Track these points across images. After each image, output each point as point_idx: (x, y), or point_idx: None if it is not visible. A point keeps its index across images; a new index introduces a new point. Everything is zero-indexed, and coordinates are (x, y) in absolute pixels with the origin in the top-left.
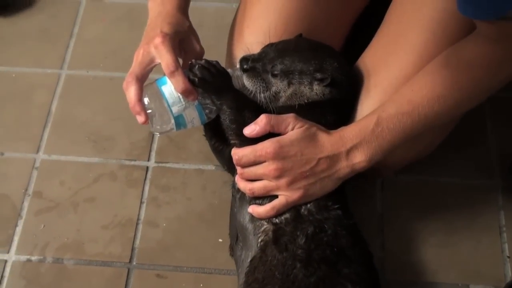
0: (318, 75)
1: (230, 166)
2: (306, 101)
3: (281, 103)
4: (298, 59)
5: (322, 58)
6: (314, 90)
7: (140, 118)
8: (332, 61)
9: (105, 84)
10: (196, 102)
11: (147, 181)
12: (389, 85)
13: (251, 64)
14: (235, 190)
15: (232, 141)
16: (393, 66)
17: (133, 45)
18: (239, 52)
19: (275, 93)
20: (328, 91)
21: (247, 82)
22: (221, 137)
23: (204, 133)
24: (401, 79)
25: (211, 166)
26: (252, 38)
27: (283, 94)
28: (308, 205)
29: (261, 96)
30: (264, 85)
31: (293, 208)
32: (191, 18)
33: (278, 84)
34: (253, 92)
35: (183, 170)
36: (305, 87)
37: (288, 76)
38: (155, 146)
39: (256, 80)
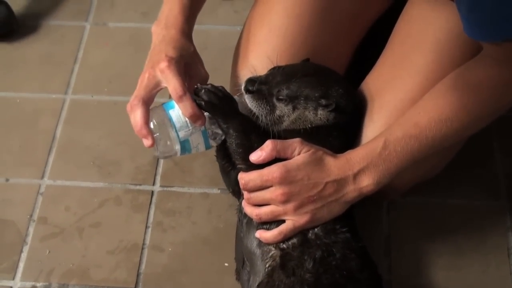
0: (323, 101)
1: (236, 190)
2: (310, 125)
3: (285, 126)
4: (304, 85)
5: (328, 84)
6: (319, 115)
7: (147, 142)
8: (338, 87)
9: (110, 109)
10: (202, 128)
11: (152, 206)
12: (394, 107)
13: (258, 86)
14: (242, 214)
15: (238, 166)
16: (398, 89)
17: (138, 69)
18: (244, 76)
19: (278, 116)
20: (332, 116)
21: (251, 104)
22: (230, 159)
23: (215, 154)
24: (406, 101)
25: (216, 190)
26: (257, 62)
27: (287, 119)
28: (316, 229)
29: (264, 119)
30: (268, 108)
31: (300, 232)
32: (195, 41)
33: (282, 108)
34: (256, 114)
35: (188, 194)
36: (309, 112)
37: (293, 101)
38: (160, 170)
39: (261, 102)
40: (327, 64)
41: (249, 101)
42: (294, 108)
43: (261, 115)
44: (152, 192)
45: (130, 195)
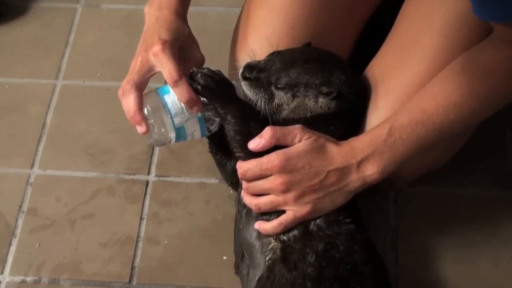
0: (324, 89)
1: (234, 182)
2: (310, 114)
3: (284, 115)
4: (304, 72)
5: (329, 71)
6: (319, 104)
7: (141, 128)
8: (340, 74)
9: (102, 95)
10: (198, 114)
11: (147, 196)
12: (400, 93)
13: (256, 74)
14: (241, 205)
15: (236, 154)
16: (405, 73)
17: (131, 53)
18: (243, 59)
19: (277, 105)
20: (333, 104)
21: (248, 91)
22: (226, 151)
23: (209, 149)
24: (413, 86)
25: (214, 179)
26: (256, 45)
27: (286, 107)
28: (318, 221)
29: (263, 107)
30: (266, 96)
31: (301, 224)
32: (191, 23)
33: (281, 97)
34: (254, 102)
35: (185, 184)
36: (309, 100)
37: (292, 89)
38: (155, 159)
39: (259, 90)
40: (329, 48)
41: (246, 89)
42: (293, 97)
43: (260, 103)
44: (147, 182)
45: (124, 185)
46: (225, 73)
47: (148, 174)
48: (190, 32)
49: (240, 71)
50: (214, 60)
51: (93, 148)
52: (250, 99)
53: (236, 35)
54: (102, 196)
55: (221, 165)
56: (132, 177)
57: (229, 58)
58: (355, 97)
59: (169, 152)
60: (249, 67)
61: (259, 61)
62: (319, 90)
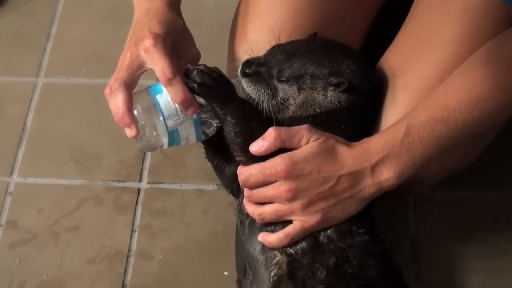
0: (333, 80)
1: (234, 188)
2: (319, 110)
3: (291, 112)
4: (309, 62)
5: (338, 60)
6: (329, 97)
7: (131, 132)
8: (350, 63)
9: (88, 93)
10: (194, 116)
11: (139, 206)
12: (419, 86)
13: (256, 68)
14: (243, 215)
15: (237, 158)
16: (424, 65)
17: (120, 47)
18: (243, 53)
19: (283, 100)
20: (344, 97)
21: (249, 88)
22: (224, 155)
23: (205, 155)
24: (433, 79)
25: (213, 186)
26: (257, 36)
27: (293, 102)
28: (328, 231)
29: (267, 105)
30: (269, 92)
31: (310, 235)
32: (185, 14)
33: (286, 90)
34: (257, 101)
35: (181, 191)
36: (318, 93)
37: (297, 81)
38: (147, 164)
39: (260, 86)
40: (338, 39)
41: (247, 86)
42: (299, 90)
43: (262, 101)
44: (139, 189)
45: (113, 194)
46: (223, 69)
47: (140, 181)
48: (184, 25)
49: (239, 68)
50: (211, 54)
51: (79, 153)
52: (251, 97)
53: (235, 25)
54: (89, 206)
55: (219, 171)
56: (122, 184)
57: (227, 53)
58: (369, 90)
59: (163, 156)
60: (248, 62)
61: (258, 57)
62: (328, 81)
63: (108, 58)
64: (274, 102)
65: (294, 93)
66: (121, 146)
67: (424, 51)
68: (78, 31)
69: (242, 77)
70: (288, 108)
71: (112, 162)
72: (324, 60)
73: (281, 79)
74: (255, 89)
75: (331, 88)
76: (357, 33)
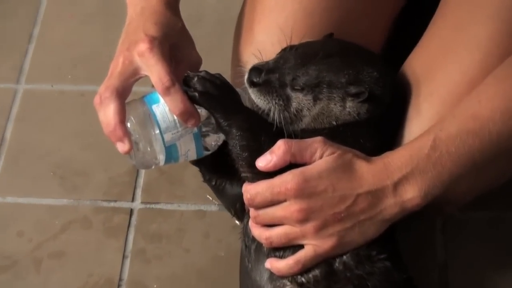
0: (352, 89)
1: (238, 208)
2: (335, 122)
3: (304, 124)
4: (326, 68)
5: (358, 66)
6: (347, 108)
7: (123, 146)
8: (371, 70)
9: (75, 102)
10: (194, 129)
11: (132, 228)
12: (447, 94)
13: (265, 76)
14: (248, 239)
15: (243, 174)
16: (452, 69)
17: (111, 50)
18: (249, 56)
19: (296, 111)
20: (364, 108)
21: (258, 99)
22: (222, 173)
23: (202, 179)
24: (463, 86)
25: (215, 206)
26: (265, 37)
27: (307, 113)
28: (344, 257)
29: (278, 117)
30: (281, 103)
31: (324, 262)
32: (185, 12)
33: (300, 100)
34: (267, 112)
35: (179, 212)
36: (335, 104)
37: (313, 90)
38: (141, 182)
39: (271, 97)
40: (356, 40)
41: (255, 97)
42: (315, 100)
43: (273, 112)
44: (131, 210)
45: (102, 215)
46: (227, 74)
47: (133, 200)
48: (183, 26)
49: (245, 76)
50: (214, 58)
51: (64, 169)
52: (260, 109)
53: (240, 24)
54: (75, 229)
55: (219, 192)
56: (112, 204)
57: (232, 56)
58: (391, 100)
59: (159, 173)
60: (256, 69)
61: (267, 62)
62: (346, 91)
63: (98, 62)
64: (286, 113)
65: (309, 103)
66: (112, 161)
67: (452, 54)
68: (64, 32)
69: (250, 86)
70: (301, 120)
71: (101, 180)
72: (342, 67)
73: (295, 87)
74: (265, 100)
75: (349, 98)
76: (377, 33)
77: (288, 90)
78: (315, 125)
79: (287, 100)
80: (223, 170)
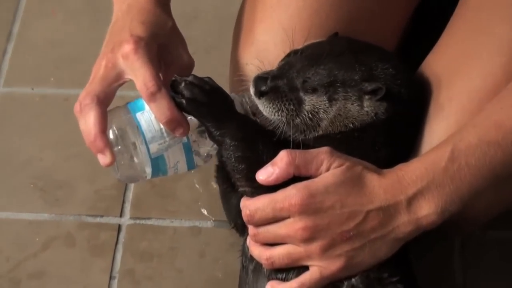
0: (368, 86)
1: (239, 224)
2: (352, 125)
3: (322, 130)
4: (337, 66)
5: (371, 63)
6: (365, 108)
7: (105, 159)
8: (386, 66)
9: (58, 107)
10: (184, 139)
11: (120, 246)
12: (468, 99)
13: (272, 83)
14: (247, 258)
15: (241, 189)
16: (473, 74)
17: (97, 50)
18: (249, 58)
19: (311, 114)
20: (383, 108)
21: (267, 109)
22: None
23: (215, 174)
24: (486, 90)
25: (211, 222)
26: (267, 36)
27: (324, 116)
28: (353, 280)
29: (293, 126)
30: (292, 107)
31: (330, 284)
32: (179, 7)
33: (315, 102)
34: (278, 123)
35: (171, 228)
36: (352, 104)
37: (327, 90)
38: (130, 195)
39: (281, 102)
40: (367, 39)
41: (264, 107)
42: (330, 100)
43: (285, 122)
44: (119, 226)
45: (87, 232)
46: (227, 78)
47: (121, 216)
48: (174, 26)
49: (251, 89)
50: (210, 60)
51: (45, 181)
52: (272, 121)
53: (240, 23)
54: (58, 247)
55: (226, 199)
56: (98, 220)
57: (230, 58)
58: (410, 100)
59: (149, 185)
60: (260, 78)
61: (270, 70)
62: (362, 89)
63: (83, 63)
64: (299, 120)
65: (325, 105)
66: (98, 173)
67: (473, 57)
68: (46, 30)
69: (259, 98)
70: (318, 124)
71: (86, 193)
72: (354, 64)
73: (308, 90)
74: (274, 107)
75: (366, 96)
76: (388, 34)
77: (300, 94)
78: (333, 129)
79: (299, 105)
80: None
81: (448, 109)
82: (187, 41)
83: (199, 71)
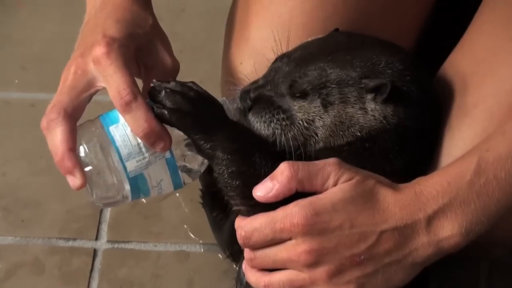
0: (369, 83)
1: (236, 251)
2: (359, 133)
3: (322, 141)
4: (331, 64)
5: (373, 57)
6: (369, 112)
7: (74, 180)
8: (392, 60)
9: (24, 114)
10: (167, 154)
11: (95, 274)
12: (497, 104)
13: (254, 94)
14: (241, 285)
15: (235, 208)
16: (503, 74)
17: (70, 48)
18: (244, 56)
19: (306, 123)
20: (390, 110)
21: (257, 125)
22: (227, 204)
23: (201, 200)
24: None
25: (200, 246)
26: (264, 32)
27: (320, 124)
28: None
29: (285, 139)
30: (283, 116)
31: None
32: (164, 1)
33: (306, 108)
34: (275, 137)
35: (155, 253)
36: (353, 107)
37: (319, 93)
38: (107, 215)
39: (267, 113)
40: (381, 36)
41: (254, 124)
42: (325, 105)
43: (279, 134)
44: (95, 251)
45: (58, 257)
46: (218, 81)
47: (97, 239)
48: (155, 24)
49: (238, 101)
50: (199, 60)
51: (9, 199)
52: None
53: (233, 17)
54: (24, 275)
55: (217, 227)
56: (71, 243)
57: (222, 57)
58: (423, 104)
59: (130, 204)
60: (244, 92)
61: (255, 80)
62: (361, 87)
63: (52, 63)
64: (294, 130)
65: (320, 110)
66: (70, 190)
67: (502, 55)
68: (11, 25)
69: (245, 115)
70: (316, 135)
71: (57, 213)
72: (350, 60)
73: (296, 94)
74: (264, 121)
75: (369, 96)
76: (406, 29)
77: (288, 100)
78: (335, 140)
79: (290, 112)
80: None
81: (474, 115)
82: (173, 39)
83: (187, 73)
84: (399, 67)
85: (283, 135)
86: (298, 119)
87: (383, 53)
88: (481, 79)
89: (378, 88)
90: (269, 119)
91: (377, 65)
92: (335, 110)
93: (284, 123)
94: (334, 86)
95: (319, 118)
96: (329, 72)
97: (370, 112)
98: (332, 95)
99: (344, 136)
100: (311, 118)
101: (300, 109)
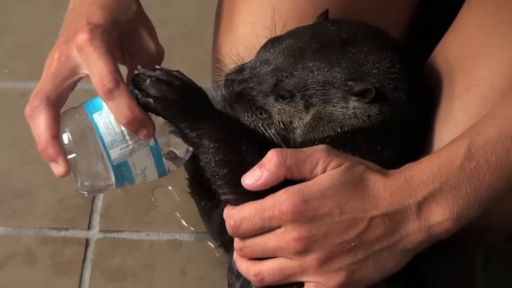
0: (354, 86)
1: (227, 241)
2: (340, 129)
3: (300, 136)
4: (318, 64)
5: (361, 56)
6: (351, 110)
7: (58, 168)
8: (380, 58)
9: (14, 103)
10: (151, 141)
11: (88, 264)
12: (489, 88)
13: (238, 87)
14: (234, 275)
15: (223, 197)
16: (495, 57)
17: (57, 37)
18: (234, 43)
19: (283, 124)
20: (375, 110)
21: (243, 118)
22: (215, 192)
23: (188, 190)
24: (508, 78)
25: (193, 235)
26: (255, 17)
27: (299, 124)
28: None
29: (269, 135)
30: (265, 116)
31: None
32: None
33: (287, 110)
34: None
35: (148, 242)
36: (334, 106)
37: (303, 95)
38: (99, 204)
39: (252, 111)
40: (371, 21)
41: (240, 116)
42: (307, 107)
43: (263, 130)
44: (87, 240)
45: (51, 247)
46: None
47: (89, 228)
48: (139, 10)
49: (222, 88)
50: (188, 47)
51: (1, 189)
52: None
53: (223, 2)
54: (16, 265)
55: (207, 216)
56: (63, 233)
57: (212, 45)
58: (412, 98)
59: (121, 193)
60: (229, 80)
61: (242, 66)
62: (347, 89)
63: (41, 52)
64: (274, 129)
65: (300, 112)
66: (62, 179)
67: (495, 37)
68: (0, 16)
69: (230, 106)
70: (293, 131)
71: (49, 202)
72: (338, 59)
73: (281, 94)
74: (249, 116)
75: (353, 98)
76: (397, 15)
77: (270, 100)
78: (316, 134)
79: (269, 112)
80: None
81: (465, 99)
82: (162, 25)
83: (177, 60)
84: (386, 65)
85: (265, 132)
86: (276, 120)
87: (372, 49)
88: (473, 62)
89: (363, 92)
90: (251, 117)
91: (364, 65)
92: (316, 109)
93: (266, 122)
94: (320, 88)
95: (298, 119)
96: (316, 73)
97: (351, 110)
98: (315, 96)
99: (324, 131)
100: (289, 120)
101: (279, 112)
